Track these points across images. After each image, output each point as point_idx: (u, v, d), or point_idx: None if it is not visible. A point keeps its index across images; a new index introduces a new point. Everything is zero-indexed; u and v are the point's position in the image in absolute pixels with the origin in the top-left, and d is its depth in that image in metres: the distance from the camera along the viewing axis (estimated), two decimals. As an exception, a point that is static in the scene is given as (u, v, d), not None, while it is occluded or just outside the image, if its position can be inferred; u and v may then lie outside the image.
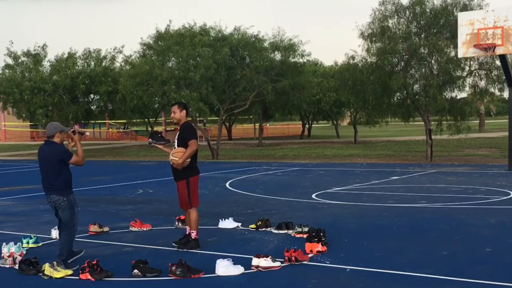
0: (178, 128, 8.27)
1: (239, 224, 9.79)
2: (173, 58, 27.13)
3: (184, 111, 8.19)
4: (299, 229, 8.73)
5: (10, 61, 31.30)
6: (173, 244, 8.24)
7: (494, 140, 35.28)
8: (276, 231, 9.11)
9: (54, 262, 6.91)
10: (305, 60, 30.49)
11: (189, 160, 7.94)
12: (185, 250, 7.98)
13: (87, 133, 7.73)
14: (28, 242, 8.52)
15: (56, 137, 7.43)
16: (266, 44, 28.52)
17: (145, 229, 9.70)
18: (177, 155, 7.90)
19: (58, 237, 9.06)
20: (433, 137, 23.88)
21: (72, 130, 7.59)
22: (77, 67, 31.40)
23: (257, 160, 26.73)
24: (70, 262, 7.26)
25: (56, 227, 9.31)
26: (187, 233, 8.24)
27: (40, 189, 16.88)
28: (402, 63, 23.23)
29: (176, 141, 8.14)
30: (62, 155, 7.30)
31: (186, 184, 8.03)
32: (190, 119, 8.56)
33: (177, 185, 8.15)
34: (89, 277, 6.66)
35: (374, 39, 23.18)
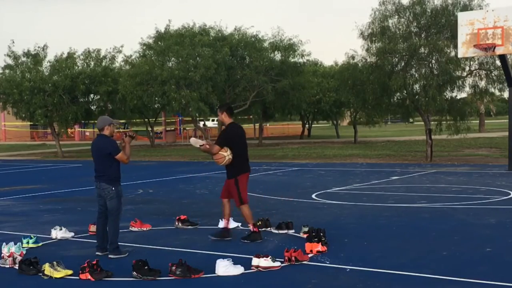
0: None
1: (239, 224, 9.78)
2: (173, 58, 27.15)
3: (225, 113, 8.72)
4: (305, 229, 8.68)
5: (10, 61, 31.29)
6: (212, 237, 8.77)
7: (494, 140, 35.27)
8: (276, 231, 9.11)
9: (54, 262, 6.92)
10: (305, 60, 30.50)
11: (229, 158, 8.45)
12: (247, 241, 8.43)
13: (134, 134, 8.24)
14: (28, 242, 8.51)
15: (106, 130, 7.91)
16: (266, 44, 28.52)
17: (145, 229, 9.71)
18: (216, 156, 8.52)
19: (57, 237, 9.09)
20: (433, 137, 23.89)
21: (124, 133, 8.11)
22: (77, 67, 31.36)
23: (257, 160, 26.70)
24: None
25: (56, 226, 9.34)
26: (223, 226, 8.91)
27: (40, 189, 16.86)
28: (402, 63, 23.22)
29: None
30: (110, 149, 7.79)
31: (234, 182, 8.59)
32: (233, 120, 8.94)
33: (227, 182, 8.75)
34: (89, 277, 6.66)
35: (374, 39, 23.16)
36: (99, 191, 7.92)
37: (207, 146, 8.49)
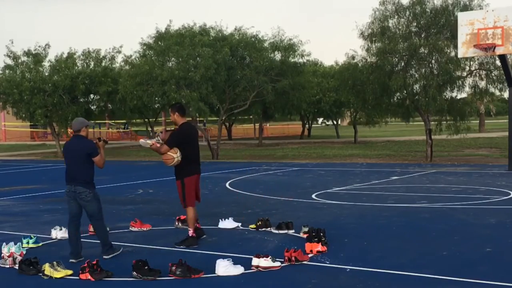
0: None
1: (239, 224, 9.79)
2: (173, 58, 27.12)
3: (177, 113, 8.47)
4: (305, 229, 8.67)
5: (10, 61, 31.27)
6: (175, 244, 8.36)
7: (494, 140, 35.27)
8: (276, 231, 9.11)
9: (54, 262, 6.92)
10: (305, 60, 30.46)
11: (178, 160, 8.21)
12: (182, 247, 8.08)
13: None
14: (28, 242, 8.51)
15: (82, 131, 7.81)
16: (266, 44, 28.50)
17: (145, 229, 9.71)
18: (164, 156, 8.31)
19: (57, 237, 9.09)
20: (433, 137, 23.89)
21: (98, 137, 8.10)
22: (77, 67, 31.36)
23: (257, 160, 26.73)
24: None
25: (56, 226, 9.33)
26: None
27: (40, 189, 16.80)
28: (402, 63, 23.23)
29: None
30: (91, 150, 7.68)
31: (181, 184, 8.38)
32: (186, 120, 8.80)
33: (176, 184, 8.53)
34: (89, 277, 6.66)
35: (374, 39, 23.16)
36: (73, 195, 7.67)
37: (157, 145, 8.34)
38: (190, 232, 8.31)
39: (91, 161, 7.67)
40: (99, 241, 7.89)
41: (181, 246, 8.20)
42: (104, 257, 7.63)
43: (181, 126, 8.46)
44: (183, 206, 8.45)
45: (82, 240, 7.87)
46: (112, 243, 7.91)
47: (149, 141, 8.52)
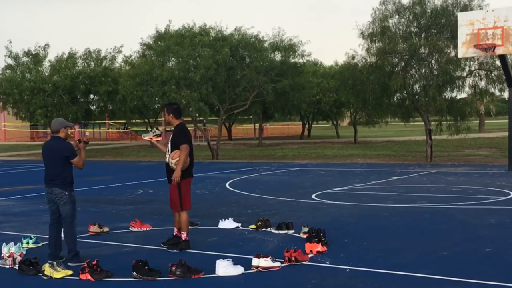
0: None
1: (239, 224, 9.79)
2: (173, 58, 27.12)
3: (172, 114, 8.22)
4: (305, 229, 8.67)
5: (10, 61, 31.30)
6: (161, 244, 8.30)
7: (494, 140, 35.27)
8: (276, 231, 9.11)
9: (54, 262, 6.92)
10: (305, 60, 30.47)
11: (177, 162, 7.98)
12: (175, 251, 8.02)
13: (87, 133, 8.01)
14: (28, 242, 8.52)
15: (61, 132, 7.68)
16: (266, 44, 28.51)
17: (145, 229, 9.72)
18: (175, 157, 8.02)
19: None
20: (433, 137, 23.89)
21: (78, 139, 7.91)
22: (77, 68, 31.38)
23: (257, 160, 26.72)
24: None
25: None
26: (174, 234, 8.35)
27: (41, 189, 16.80)
28: (402, 63, 23.22)
29: (169, 143, 8.30)
30: (68, 152, 7.54)
31: (177, 186, 8.14)
32: (181, 121, 8.52)
33: (170, 187, 8.29)
34: (89, 277, 6.67)
35: (374, 39, 23.17)
36: (51, 196, 7.55)
37: (157, 138, 8.17)
38: (184, 236, 8.14)
39: (69, 163, 7.53)
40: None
41: (174, 250, 8.05)
42: (69, 264, 7.36)
43: (181, 125, 8.26)
44: (178, 209, 8.18)
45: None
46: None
47: (146, 136, 8.49)
